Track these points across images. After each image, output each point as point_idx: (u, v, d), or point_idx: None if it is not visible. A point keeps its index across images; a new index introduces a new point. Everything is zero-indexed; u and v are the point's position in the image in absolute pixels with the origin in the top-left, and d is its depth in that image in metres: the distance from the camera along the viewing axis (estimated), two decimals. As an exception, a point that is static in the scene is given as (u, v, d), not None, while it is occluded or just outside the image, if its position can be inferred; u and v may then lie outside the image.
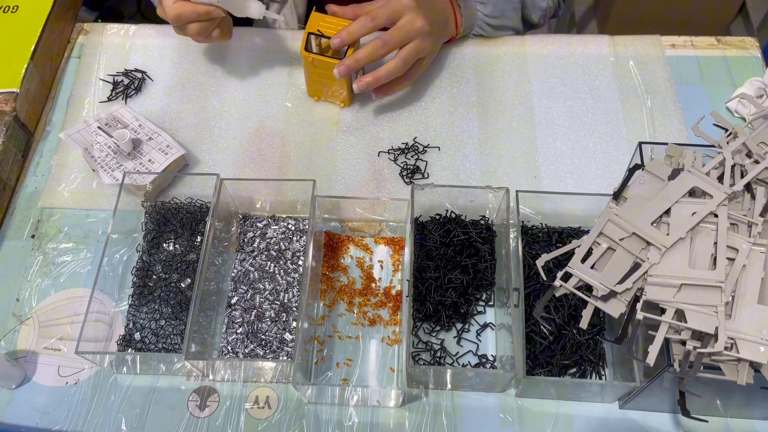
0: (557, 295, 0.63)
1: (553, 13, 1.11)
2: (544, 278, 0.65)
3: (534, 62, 1.01)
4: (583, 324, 0.61)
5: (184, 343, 0.71)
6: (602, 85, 0.98)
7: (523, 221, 0.83)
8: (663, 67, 1.00)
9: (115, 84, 0.98)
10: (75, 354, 0.72)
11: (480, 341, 0.79)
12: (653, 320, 0.59)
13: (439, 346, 0.78)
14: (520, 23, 1.07)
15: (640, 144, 0.71)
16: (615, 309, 0.60)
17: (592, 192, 0.87)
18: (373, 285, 0.83)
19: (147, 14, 2.16)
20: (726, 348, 0.57)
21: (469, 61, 1.01)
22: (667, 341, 0.60)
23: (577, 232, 0.84)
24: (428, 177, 0.91)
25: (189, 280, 0.81)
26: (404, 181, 0.90)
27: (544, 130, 0.94)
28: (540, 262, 0.65)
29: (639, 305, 0.60)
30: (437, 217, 0.85)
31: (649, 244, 0.62)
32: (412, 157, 0.92)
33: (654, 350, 0.58)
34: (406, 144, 0.93)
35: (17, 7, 1.00)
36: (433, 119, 0.96)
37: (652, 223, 0.63)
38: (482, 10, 1.00)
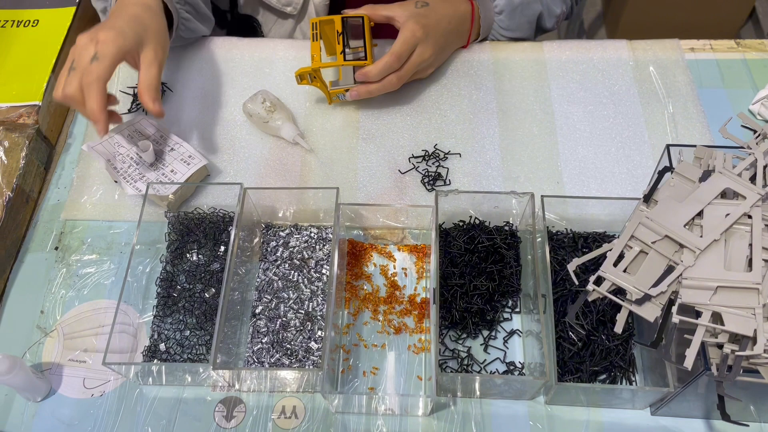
0: (590, 299, 0.62)
1: (566, 16, 1.11)
2: (576, 283, 0.64)
3: (553, 68, 1.01)
4: (618, 329, 0.60)
5: (212, 353, 0.71)
6: (622, 90, 0.98)
7: (547, 226, 0.83)
8: (683, 71, 0.99)
9: (135, 96, 0.99)
10: (102, 365, 0.71)
11: (507, 348, 0.79)
12: (690, 324, 0.59)
13: (466, 354, 0.78)
14: (533, 34, 1.08)
15: (668, 146, 0.71)
16: (650, 313, 0.59)
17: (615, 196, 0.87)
18: (398, 293, 0.83)
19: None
20: (765, 350, 0.56)
21: (488, 68, 1.01)
22: (702, 345, 0.59)
23: (603, 237, 0.83)
24: (450, 184, 0.90)
25: (213, 290, 0.81)
26: (426, 188, 0.90)
27: (566, 136, 0.94)
28: (571, 267, 0.64)
29: (674, 309, 0.59)
30: (461, 223, 0.85)
31: (682, 246, 0.61)
32: (433, 164, 0.92)
33: (691, 354, 0.57)
34: (427, 151, 0.93)
35: (37, 21, 1.01)
36: (453, 126, 0.95)
37: (684, 225, 0.62)
38: (500, 22, 1.01)
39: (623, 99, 0.97)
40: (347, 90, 0.93)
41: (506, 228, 0.84)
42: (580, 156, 0.92)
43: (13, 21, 1.00)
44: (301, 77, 0.92)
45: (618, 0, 2.19)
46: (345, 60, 0.91)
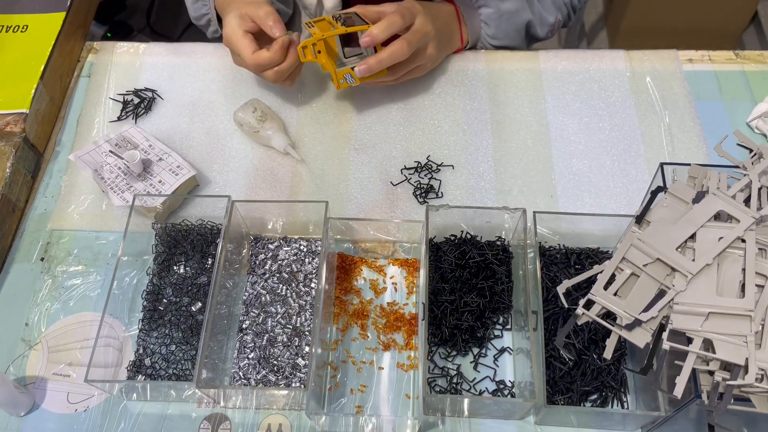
0: (579, 323, 0.61)
1: (563, 23, 1.09)
2: (566, 305, 0.63)
3: (548, 78, 0.99)
4: (607, 354, 0.59)
5: (196, 370, 0.70)
6: (619, 101, 0.96)
7: (540, 242, 0.82)
8: (680, 83, 0.98)
9: (125, 103, 0.97)
10: (85, 382, 0.70)
11: (497, 366, 0.77)
12: (680, 350, 0.57)
13: (455, 372, 0.77)
14: (524, 43, 1.06)
15: (661, 165, 0.69)
16: (640, 338, 0.58)
17: (610, 211, 0.86)
18: (388, 308, 0.81)
19: (156, 28, 2.16)
20: (756, 379, 0.55)
21: (483, 78, 0.99)
22: (693, 371, 0.58)
23: (596, 254, 0.82)
24: (442, 196, 0.89)
25: (200, 304, 0.80)
26: (418, 201, 0.89)
27: (560, 148, 0.93)
28: (561, 289, 0.63)
29: (665, 335, 0.58)
30: (452, 238, 0.83)
31: (674, 270, 0.60)
32: (425, 176, 0.91)
33: (681, 381, 0.56)
34: (419, 163, 0.92)
35: (27, 26, 0.99)
36: (446, 137, 0.94)
37: (677, 248, 0.61)
38: (485, 30, 1.00)
39: (619, 111, 0.95)
40: (355, 67, 0.87)
41: (498, 243, 0.83)
42: (574, 169, 0.91)
43: (2, 26, 0.99)
44: (304, 51, 0.87)
45: (619, 4, 2.17)
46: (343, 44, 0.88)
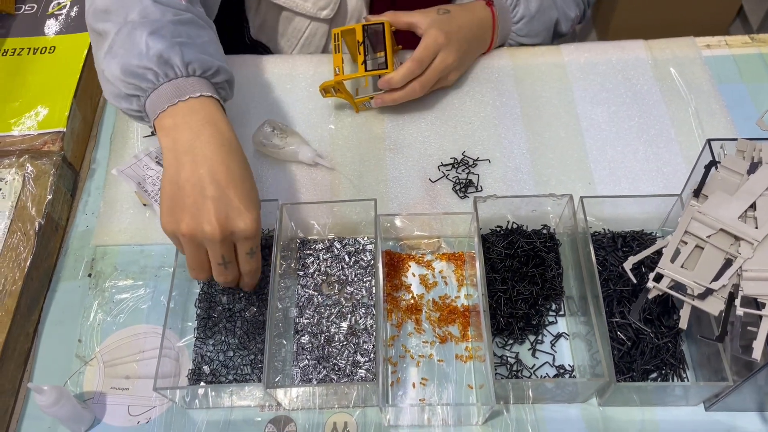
0: (650, 297, 0.62)
1: (580, 19, 1.12)
2: (634, 281, 0.64)
3: (573, 70, 1.01)
4: (683, 324, 0.60)
5: (264, 372, 0.70)
6: (644, 89, 0.99)
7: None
8: (701, 68, 1.00)
9: (157, 118, 0.98)
10: (153, 391, 0.70)
11: (555, 352, 0.78)
12: (752, 315, 0.59)
13: (515, 360, 0.77)
14: (550, 41, 1.08)
15: (708, 141, 0.71)
16: (714, 306, 0.59)
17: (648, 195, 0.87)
18: (440, 302, 0.82)
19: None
20: (832, 338, 0.56)
21: (509, 73, 1.01)
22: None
23: (641, 236, 0.83)
24: (482, 190, 0.90)
25: (254, 309, 0.80)
26: (458, 196, 0.90)
27: (593, 137, 0.94)
28: (627, 266, 0.64)
29: (737, 301, 0.59)
30: (498, 229, 0.84)
31: (737, 239, 0.61)
32: (463, 171, 0.92)
33: (759, 345, 0.57)
34: (455, 159, 0.93)
35: (54, 47, 1.00)
36: (479, 133, 0.95)
37: (738, 218, 0.62)
38: (517, 31, 1.02)
39: (646, 98, 0.98)
40: (372, 98, 0.94)
41: (544, 231, 0.84)
42: (608, 156, 0.92)
43: (30, 48, 0.99)
44: (325, 90, 0.93)
45: (607, 3, 2.22)
46: (366, 70, 0.91)
